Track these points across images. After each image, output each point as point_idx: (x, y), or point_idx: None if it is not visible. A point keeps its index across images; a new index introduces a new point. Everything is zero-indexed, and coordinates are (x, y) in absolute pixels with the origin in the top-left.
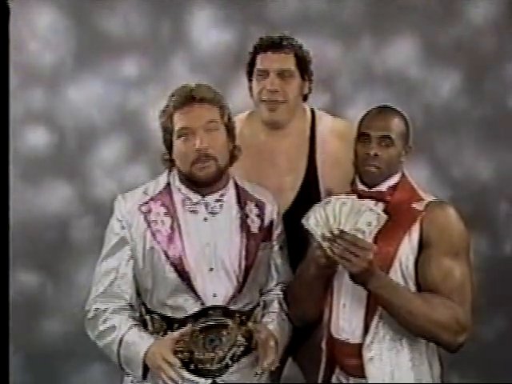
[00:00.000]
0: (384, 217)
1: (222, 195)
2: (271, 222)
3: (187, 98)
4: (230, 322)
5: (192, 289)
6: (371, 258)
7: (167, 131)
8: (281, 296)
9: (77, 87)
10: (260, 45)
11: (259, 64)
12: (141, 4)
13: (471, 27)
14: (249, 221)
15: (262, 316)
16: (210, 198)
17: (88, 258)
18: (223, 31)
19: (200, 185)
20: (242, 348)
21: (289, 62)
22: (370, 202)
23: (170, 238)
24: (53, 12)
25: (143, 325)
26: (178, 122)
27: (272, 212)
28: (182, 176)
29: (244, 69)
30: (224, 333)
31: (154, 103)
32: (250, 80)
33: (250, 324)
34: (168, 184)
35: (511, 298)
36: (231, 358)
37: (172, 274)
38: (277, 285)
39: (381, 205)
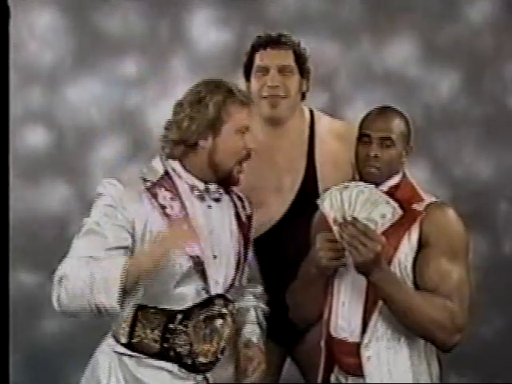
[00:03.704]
0: (399, 212)
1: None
2: (250, 216)
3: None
4: (226, 311)
5: (204, 274)
6: (379, 250)
7: (216, 119)
8: (254, 303)
9: (76, 87)
10: (258, 42)
11: (259, 61)
12: (140, 4)
13: (470, 26)
14: (239, 210)
15: (240, 328)
16: (213, 187)
17: None
18: (222, 31)
19: (223, 182)
20: (226, 341)
21: (288, 58)
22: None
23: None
24: (52, 12)
25: (131, 326)
26: (240, 118)
27: (250, 206)
28: (205, 167)
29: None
30: (222, 322)
31: (153, 103)
32: (247, 80)
33: (240, 347)
34: (166, 171)
35: (511, 297)
36: (221, 352)
37: (183, 260)
38: (249, 282)
39: None
